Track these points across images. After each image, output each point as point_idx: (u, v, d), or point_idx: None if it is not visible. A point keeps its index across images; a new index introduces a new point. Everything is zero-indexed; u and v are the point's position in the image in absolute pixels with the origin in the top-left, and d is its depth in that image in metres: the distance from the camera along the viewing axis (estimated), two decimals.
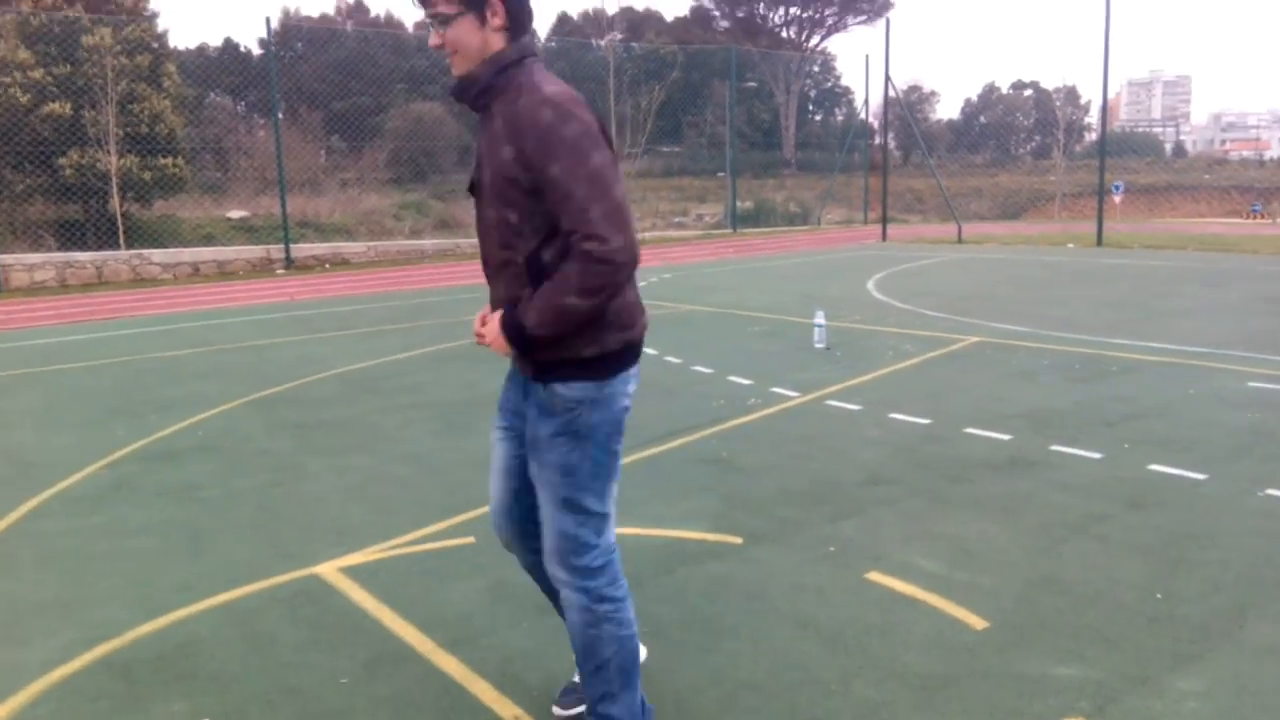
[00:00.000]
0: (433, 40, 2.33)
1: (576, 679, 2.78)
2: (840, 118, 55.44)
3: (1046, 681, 2.89)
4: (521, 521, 2.61)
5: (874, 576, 3.67)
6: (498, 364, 9.55)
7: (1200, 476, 4.75)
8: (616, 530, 4.19)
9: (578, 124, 2.19)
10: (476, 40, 2.29)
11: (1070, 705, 2.76)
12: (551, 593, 2.68)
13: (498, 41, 2.30)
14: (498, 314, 2.36)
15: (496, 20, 2.29)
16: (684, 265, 17.62)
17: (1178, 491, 4.55)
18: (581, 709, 2.69)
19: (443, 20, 2.29)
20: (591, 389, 2.35)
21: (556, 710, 2.75)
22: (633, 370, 2.43)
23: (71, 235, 17.95)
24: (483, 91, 2.32)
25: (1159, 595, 3.46)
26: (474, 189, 2.40)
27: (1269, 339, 8.49)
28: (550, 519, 2.44)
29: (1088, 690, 2.84)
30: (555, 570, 2.46)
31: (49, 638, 3.34)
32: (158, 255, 17.02)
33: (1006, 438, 5.51)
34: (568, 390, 2.35)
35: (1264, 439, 5.38)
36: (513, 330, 2.30)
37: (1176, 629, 3.21)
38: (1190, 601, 3.41)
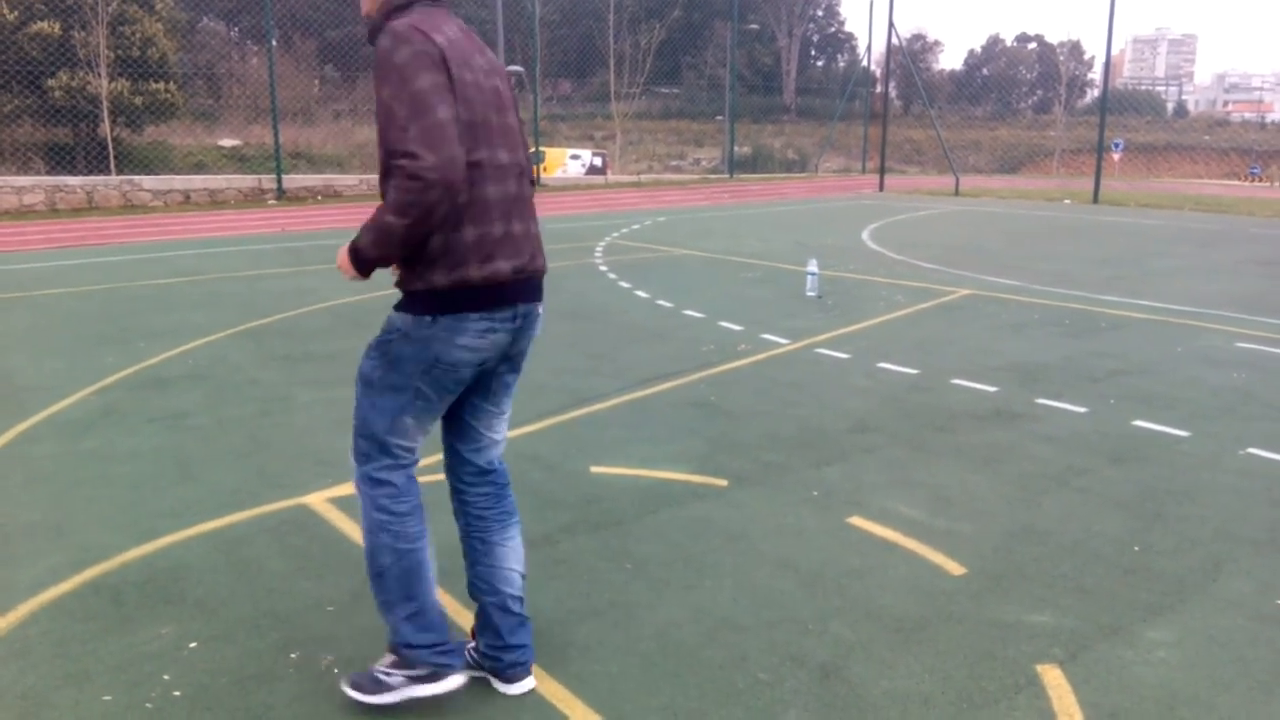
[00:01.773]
0: None
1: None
2: (842, 64, 54.82)
3: (1021, 628, 2.95)
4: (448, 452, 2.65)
5: (855, 521, 3.72)
6: None
7: (1183, 433, 4.80)
8: (605, 469, 4.22)
9: (409, 49, 2.21)
10: None
11: (1043, 652, 2.82)
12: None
13: None
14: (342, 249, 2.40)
15: None
16: (679, 209, 17.54)
17: (1160, 447, 4.61)
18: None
19: None
20: (409, 322, 2.36)
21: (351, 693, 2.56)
22: (473, 318, 2.35)
23: (61, 159, 17.74)
24: (371, 31, 2.40)
25: (1136, 548, 3.51)
26: None
27: (1259, 300, 8.52)
28: (355, 417, 2.50)
29: (1061, 638, 2.90)
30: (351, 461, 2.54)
31: (38, 559, 3.37)
32: (149, 182, 16.84)
33: (992, 389, 5.55)
34: (393, 316, 2.39)
35: (1248, 399, 5.43)
36: (351, 250, 2.33)
37: (1151, 581, 3.26)
38: (1166, 555, 3.46)
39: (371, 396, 2.44)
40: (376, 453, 2.46)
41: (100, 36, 17.14)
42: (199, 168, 19.48)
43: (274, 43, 18.67)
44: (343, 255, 2.35)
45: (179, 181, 17.21)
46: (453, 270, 2.30)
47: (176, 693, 2.59)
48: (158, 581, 3.21)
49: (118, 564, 3.33)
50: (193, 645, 2.82)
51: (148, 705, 2.53)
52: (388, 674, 2.51)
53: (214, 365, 6.04)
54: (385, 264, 2.33)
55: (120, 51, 17.75)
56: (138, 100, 18.02)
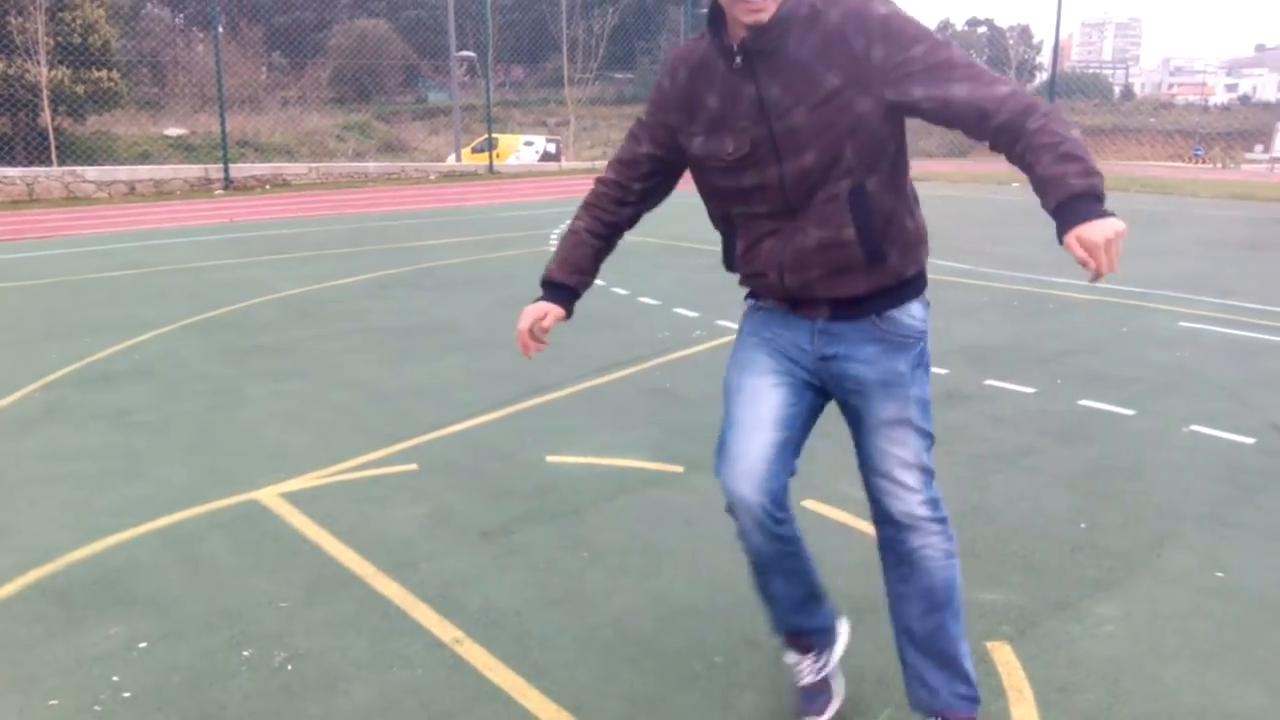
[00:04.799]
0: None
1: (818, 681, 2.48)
2: None
3: (971, 606, 2.99)
4: (776, 480, 2.20)
5: (809, 504, 3.75)
6: (441, 291, 9.31)
7: (1129, 412, 4.90)
8: (561, 458, 4.22)
9: (911, 16, 1.93)
10: None
11: (993, 629, 2.87)
12: (798, 571, 2.41)
13: None
14: (1089, 224, 1.74)
15: None
16: None
17: (1106, 426, 4.69)
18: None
19: None
20: (925, 313, 2.16)
21: None
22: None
23: None
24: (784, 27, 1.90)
25: (1083, 525, 3.58)
26: (747, 148, 1.99)
27: (1202, 280, 8.70)
28: (913, 458, 2.16)
29: (1011, 615, 2.95)
30: (917, 511, 2.17)
31: None
32: (92, 173, 16.46)
33: (944, 372, 5.62)
34: (904, 317, 2.12)
35: (1191, 377, 5.55)
36: (1100, 204, 1.78)
37: (1098, 557, 3.33)
38: (1112, 531, 3.53)
39: (929, 414, 2.17)
40: (933, 479, 2.20)
41: (39, 23, 16.71)
42: (144, 157, 19.11)
43: (220, 29, 18.31)
44: (1107, 233, 1.74)
45: (123, 172, 16.84)
46: (927, 246, 2.19)
47: (126, 694, 2.55)
48: (106, 581, 3.16)
49: (64, 564, 3.27)
50: (143, 645, 2.78)
51: (96, 708, 2.49)
52: None
53: (161, 359, 5.93)
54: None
55: (60, 38, 17.33)
56: (79, 89, 17.64)
